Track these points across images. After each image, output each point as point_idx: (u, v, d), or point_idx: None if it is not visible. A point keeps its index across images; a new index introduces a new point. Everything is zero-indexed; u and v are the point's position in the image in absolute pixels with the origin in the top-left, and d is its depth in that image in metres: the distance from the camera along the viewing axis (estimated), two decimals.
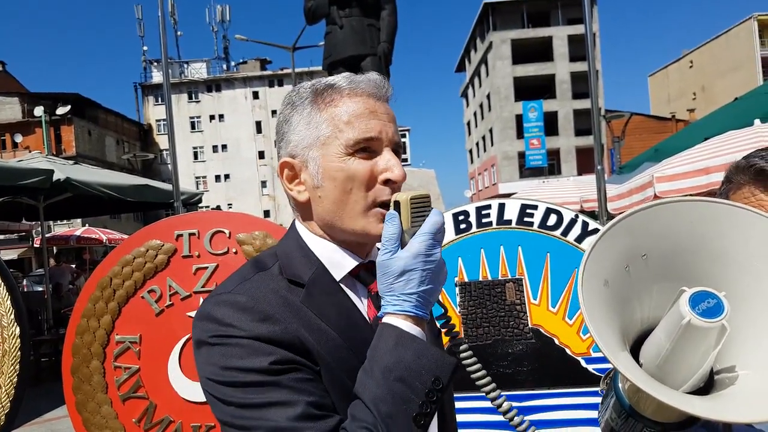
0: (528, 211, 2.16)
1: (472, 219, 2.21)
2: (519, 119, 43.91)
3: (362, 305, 0.99)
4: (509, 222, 2.18)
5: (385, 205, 0.94)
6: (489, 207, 2.21)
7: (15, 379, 2.14)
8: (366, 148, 0.95)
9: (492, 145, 48.68)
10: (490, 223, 2.19)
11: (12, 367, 2.13)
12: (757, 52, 40.41)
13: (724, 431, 0.72)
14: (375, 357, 0.84)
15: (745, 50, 40.54)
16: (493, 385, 0.90)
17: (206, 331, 0.89)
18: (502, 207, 2.20)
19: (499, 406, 0.90)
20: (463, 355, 0.92)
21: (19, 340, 2.12)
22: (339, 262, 0.99)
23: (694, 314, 0.65)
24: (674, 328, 0.66)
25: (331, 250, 0.99)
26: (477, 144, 55.50)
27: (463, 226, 2.20)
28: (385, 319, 0.87)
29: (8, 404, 2.16)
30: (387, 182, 0.95)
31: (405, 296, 0.86)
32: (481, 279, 2.16)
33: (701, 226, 0.72)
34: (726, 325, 0.65)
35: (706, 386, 0.71)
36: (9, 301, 2.11)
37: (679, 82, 47.48)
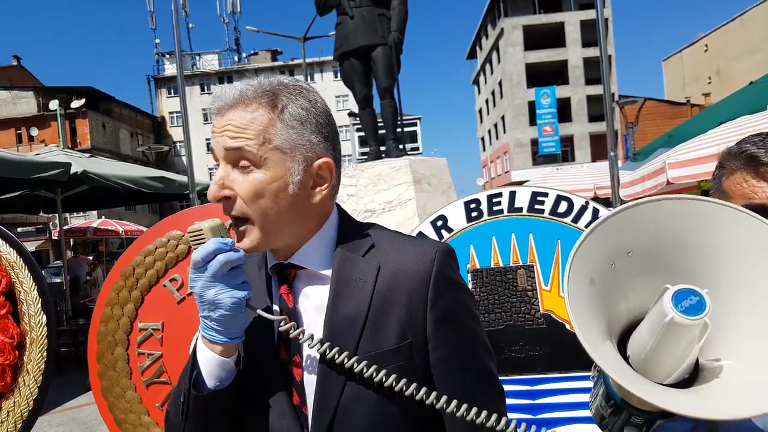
0: (539, 198, 2.18)
1: (484, 207, 2.24)
2: (531, 106, 43.52)
3: (275, 298, 1.09)
4: (520, 209, 2.20)
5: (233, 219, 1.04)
6: (500, 195, 2.23)
7: (42, 367, 2.21)
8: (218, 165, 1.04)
9: (504, 132, 48.36)
10: (501, 211, 2.22)
11: (39, 354, 2.21)
12: None
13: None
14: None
15: (761, 32, 39.71)
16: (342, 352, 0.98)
17: None
18: (513, 195, 2.22)
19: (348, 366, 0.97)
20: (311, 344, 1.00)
21: (46, 329, 2.19)
22: (269, 259, 1.13)
23: (677, 312, 0.66)
24: (657, 325, 0.68)
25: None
26: (489, 131, 55.17)
27: (474, 214, 2.23)
28: None
29: (36, 390, 2.23)
30: None
31: (201, 318, 1.02)
32: (492, 266, 2.20)
33: (684, 223, 0.73)
34: (708, 322, 0.66)
35: (692, 376, 0.73)
36: (36, 291, 2.18)
37: (693, 66, 46.69)
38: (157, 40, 54.14)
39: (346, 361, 0.96)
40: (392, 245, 1.08)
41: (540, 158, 43.82)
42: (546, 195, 2.18)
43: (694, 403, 0.67)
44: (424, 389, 0.94)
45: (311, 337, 0.98)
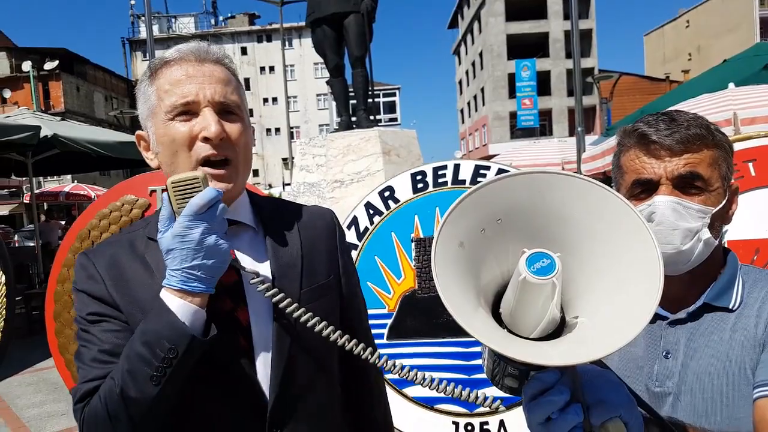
0: (481, 171, 2.28)
1: (429, 179, 2.33)
2: (511, 78, 43.30)
3: None
4: (463, 182, 2.30)
5: (208, 162, 1.05)
6: (445, 168, 2.33)
7: (1, 323, 2.29)
8: (185, 112, 1.05)
9: (483, 104, 48.19)
10: (445, 183, 2.32)
11: None
12: (756, 12, 39.85)
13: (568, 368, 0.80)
14: (144, 320, 0.99)
15: (742, 10, 39.93)
16: (329, 328, 1.06)
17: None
18: (457, 168, 2.32)
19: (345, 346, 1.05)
20: (274, 299, 1.05)
21: (4, 288, 2.26)
22: None
23: (529, 272, 0.74)
24: (516, 285, 0.77)
25: None
26: (468, 103, 54.92)
27: (420, 185, 2.33)
28: (161, 292, 0.99)
29: None
30: (206, 140, 1.05)
31: (171, 272, 0.97)
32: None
33: (548, 195, 0.81)
34: (556, 282, 0.74)
35: (559, 332, 0.81)
36: None
37: (674, 42, 46.84)
38: (133, 2, 52.57)
39: (304, 316, 1.05)
40: (294, 206, 1.28)
41: (518, 131, 43.81)
42: (488, 168, 2.29)
43: (551, 353, 0.77)
44: (362, 345, 1.06)
45: (283, 297, 1.05)
